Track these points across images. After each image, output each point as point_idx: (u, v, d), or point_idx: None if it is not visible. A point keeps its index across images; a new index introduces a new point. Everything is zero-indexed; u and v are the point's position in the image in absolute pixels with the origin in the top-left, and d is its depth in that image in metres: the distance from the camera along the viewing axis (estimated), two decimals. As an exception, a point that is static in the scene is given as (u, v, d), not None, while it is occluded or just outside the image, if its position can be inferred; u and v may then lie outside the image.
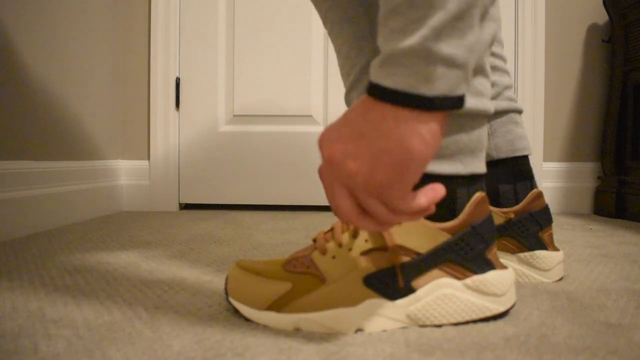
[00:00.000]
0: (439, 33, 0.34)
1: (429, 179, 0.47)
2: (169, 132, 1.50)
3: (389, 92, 0.35)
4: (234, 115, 1.52)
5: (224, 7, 1.51)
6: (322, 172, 0.39)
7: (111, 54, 1.43)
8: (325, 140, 0.38)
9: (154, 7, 1.48)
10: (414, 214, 0.38)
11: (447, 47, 0.34)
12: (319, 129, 1.50)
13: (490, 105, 0.49)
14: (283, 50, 1.50)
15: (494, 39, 0.48)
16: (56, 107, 1.14)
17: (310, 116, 1.51)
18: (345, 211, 0.38)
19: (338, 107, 1.50)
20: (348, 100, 0.61)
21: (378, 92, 0.36)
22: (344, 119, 0.38)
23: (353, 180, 0.37)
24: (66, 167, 1.17)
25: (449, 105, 0.35)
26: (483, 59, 0.48)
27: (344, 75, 0.61)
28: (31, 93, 1.05)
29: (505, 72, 0.67)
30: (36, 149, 1.07)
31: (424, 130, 0.35)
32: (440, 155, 0.47)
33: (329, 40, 1.50)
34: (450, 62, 0.34)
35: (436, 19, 0.33)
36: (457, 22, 0.34)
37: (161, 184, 1.50)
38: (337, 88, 1.50)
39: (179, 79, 1.51)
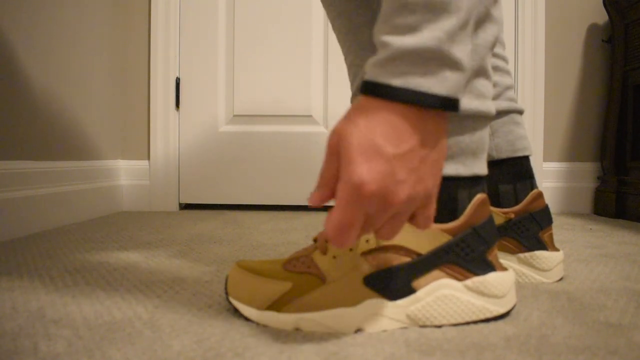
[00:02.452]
0: (452, 37, 0.35)
1: None
2: (169, 132, 1.50)
3: (402, 92, 0.35)
4: (234, 115, 1.52)
5: (224, 7, 1.51)
6: (348, 205, 0.35)
7: (111, 54, 1.43)
8: (363, 177, 0.34)
9: (154, 7, 1.48)
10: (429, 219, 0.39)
11: (457, 52, 0.35)
12: (319, 129, 1.51)
13: (492, 107, 0.49)
14: (283, 50, 1.50)
15: (497, 41, 0.48)
16: (56, 107, 1.14)
17: (310, 116, 1.51)
18: (354, 231, 0.35)
19: (338, 107, 1.50)
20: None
21: (388, 93, 0.35)
22: (362, 137, 0.35)
23: (407, 203, 0.36)
24: (66, 167, 1.17)
25: (452, 107, 0.36)
26: (485, 60, 0.48)
27: (350, 77, 0.63)
28: (31, 93, 1.05)
29: (507, 72, 0.68)
30: (36, 149, 1.07)
31: (443, 125, 0.37)
32: None
33: (329, 41, 1.50)
34: (457, 66, 0.35)
35: (449, 23, 0.34)
36: (462, 30, 0.35)
37: (161, 184, 1.50)
38: (337, 88, 1.50)
39: (179, 79, 1.51)
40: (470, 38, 0.36)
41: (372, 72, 0.36)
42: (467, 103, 0.47)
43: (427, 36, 0.34)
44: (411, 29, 0.35)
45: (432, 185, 0.37)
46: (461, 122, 0.47)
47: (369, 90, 0.36)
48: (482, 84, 0.48)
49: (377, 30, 0.37)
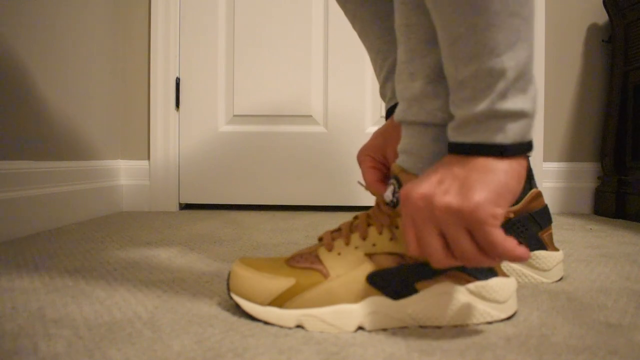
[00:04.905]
0: (504, 95, 0.39)
1: None
2: (169, 132, 1.50)
3: (471, 146, 0.41)
4: (234, 115, 1.52)
5: (224, 7, 1.51)
6: (409, 220, 0.42)
7: (111, 54, 1.43)
8: (412, 189, 0.42)
9: (154, 7, 1.48)
10: (504, 250, 0.39)
11: (513, 104, 0.39)
12: (319, 129, 1.51)
13: None
14: (283, 50, 1.50)
15: None
16: (56, 107, 1.15)
17: (310, 116, 1.51)
18: (434, 249, 0.41)
19: (338, 107, 1.50)
20: (384, 92, 0.65)
21: (461, 149, 0.41)
22: (431, 174, 0.42)
23: (447, 212, 0.40)
24: (66, 167, 1.17)
25: (522, 150, 0.41)
26: None
27: (377, 69, 0.66)
28: (31, 93, 1.05)
29: None
30: (36, 149, 1.07)
31: (506, 169, 0.40)
32: None
33: (329, 41, 1.49)
34: (517, 115, 0.40)
35: (499, 86, 0.39)
36: (517, 83, 0.39)
37: (161, 184, 1.50)
38: (337, 88, 1.50)
39: (179, 79, 1.51)
40: (530, 82, 0.40)
41: (451, 135, 0.43)
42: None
43: (483, 103, 0.39)
44: (469, 100, 0.40)
45: (476, 206, 0.39)
46: None
47: (452, 149, 0.42)
48: None
49: (450, 102, 0.43)
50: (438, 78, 0.47)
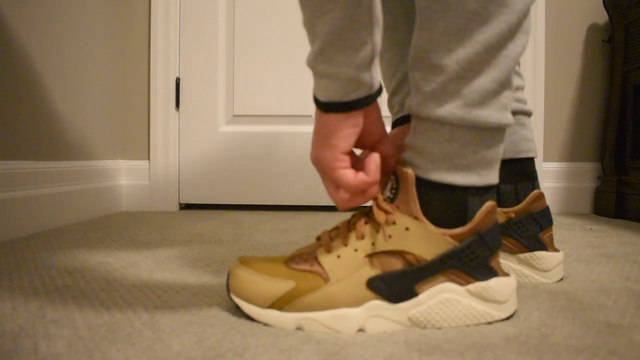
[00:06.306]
0: (317, 56, 0.44)
1: (443, 188, 0.47)
2: (169, 132, 1.50)
3: (314, 97, 0.47)
4: (234, 115, 1.52)
5: (224, 8, 1.51)
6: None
7: (111, 54, 1.43)
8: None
9: (154, 7, 1.48)
10: (358, 186, 0.46)
11: (324, 66, 0.44)
12: (319, 129, 1.50)
13: (510, 118, 0.48)
14: (283, 50, 1.50)
15: (524, 50, 0.48)
16: (56, 107, 1.14)
17: (310, 116, 1.51)
18: (332, 197, 0.49)
19: (338, 107, 1.50)
20: (391, 105, 0.65)
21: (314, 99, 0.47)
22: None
23: (314, 165, 0.48)
24: (66, 167, 1.17)
25: (340, 109, 0.45)
26: (511, 72, 0.46)
27: (386, 80, 0.67)
28: (31, 93, 1.05)
29: (517, 73, 0.67)
30: (36, 149, 1.07)
31: (325, 122, 0.46)
32: (458, 165, 0.47)
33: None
34: (332, 77, 0.43)
35: (315, 45, 0.44)
36: (330, 47, 0.43)
37: (161, 184, 1.50)
38: (337, 88, 1.50)
39: (179, 79, 1.51)
40: (348, 50, 0.42)
41: None
42: (489, 116, 0.46)
43: (310, 56, 0.45)
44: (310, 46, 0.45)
45: (316, 156, 0.47)
46: (480, 133, 0.46)
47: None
48: (505, 95, 0.47)
49: None
50: (464, 74, 0.44)
